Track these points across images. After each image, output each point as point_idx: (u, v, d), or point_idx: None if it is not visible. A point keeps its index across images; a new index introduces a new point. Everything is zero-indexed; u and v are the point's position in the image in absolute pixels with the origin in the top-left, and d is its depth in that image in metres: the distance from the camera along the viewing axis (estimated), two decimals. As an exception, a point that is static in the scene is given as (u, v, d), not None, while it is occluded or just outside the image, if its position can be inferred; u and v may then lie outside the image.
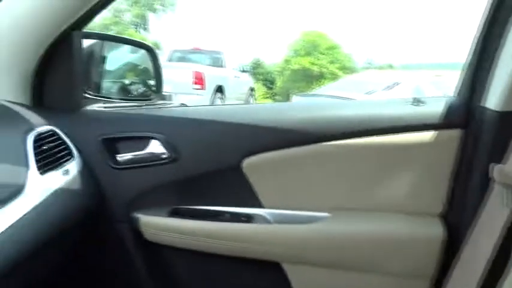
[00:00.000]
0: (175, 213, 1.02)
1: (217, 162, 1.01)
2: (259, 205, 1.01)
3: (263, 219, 1.00)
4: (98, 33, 1.11)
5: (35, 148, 0.82)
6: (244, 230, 0.98)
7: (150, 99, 1.22)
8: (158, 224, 1.02)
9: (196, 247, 1.01)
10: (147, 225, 1.02)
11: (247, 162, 0.98)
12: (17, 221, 0.68)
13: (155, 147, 1.01)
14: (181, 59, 9.86)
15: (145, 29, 18.30)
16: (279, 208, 1.00)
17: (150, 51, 1.18)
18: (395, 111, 1.02)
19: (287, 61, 16.33)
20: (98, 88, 1.16)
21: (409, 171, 0.96)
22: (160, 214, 1.02)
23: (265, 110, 1.10)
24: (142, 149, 1.02)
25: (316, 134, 0.97)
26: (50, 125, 0.93)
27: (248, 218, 1.00)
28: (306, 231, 0.96)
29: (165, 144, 1.00)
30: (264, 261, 0.99)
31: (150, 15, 18.53)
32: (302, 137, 0.97)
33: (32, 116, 0.93)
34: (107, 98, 1.14)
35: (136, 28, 17.85)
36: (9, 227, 0.66)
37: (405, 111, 1.00)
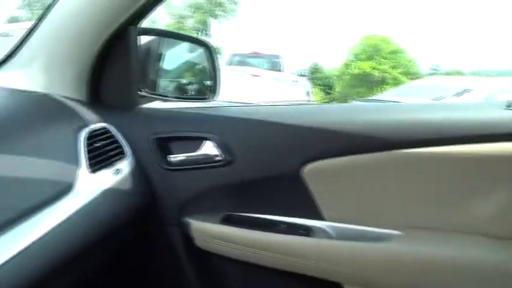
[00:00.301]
0: (228, 221, 0.95)
1: (274, 167, 0.92)
2: (319, 217, 0.91)
3: (323, 233, 0.89)
4: (155, 29, 1.08)
5: (87, 145, 0.80)
6: (303, 244, 0.88)
7: (205, 99, 1.17)
8: (210, 231, 0.95)
9: (249, 258, 0.94)
10: (198, 231, 0.96)
11: (308, 169, 0.89)
12: (66, 220, 0.67)
13: (209, 148, 0.95)
14: (241, 63, 10.00)
15: (206, 34, 18.87)
16: (342, 222, 0.89)
17: (208, 48, 1.12)
18: (484, 116, 0.87)
19: (346, 65, 15.96)
20: (153, 86, 1.12)
21: (498, 188, 0.80)
22: (213, 220, 0.96)
23: (330, 111, 0.99)
24: (195, 150, 0.96)
25: (388, 140, 0.85)
26: (103, 122, 0.91)
27: (307, 231, 0.90)
28: (373, 251, 0.84)
29: (219, 145, 0.94)
30: (323, 281, 0.89)
31: (212, 21, 19.06)
32: (371, 143, 0.86)
33: (86, 113, 0.91)
34: (163, 97, 1.10)
35: (198, 33, 18.44)
36: (58, 225, 0.65)
37: (497, 116, 0.85)
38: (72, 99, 0.94)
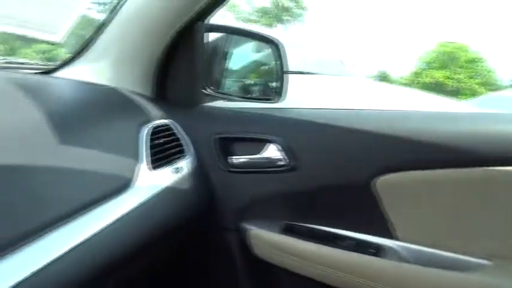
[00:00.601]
0: (289, 230, 0.89)
1: (343, 177, 0.84)
2: (391, 236, 0.81)
3: (396, 255, 0.79)
4: (222, 26, 1.04)
5: (149, 141, 0.78)
6: (372, 264, 0.79)
7: (270, 101, 1.11)
8: (269, 240, 0.89)
9: (310, 274, 0.86)
10: (256, 238, 0.90)
11: (381, 181, 0.79)
12: (124, 216, 0.64)
13: (272, 151, 0.89)
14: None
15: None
16: (418, 243, 0.79)
17: (277, 46, 1.06)
18: None
19: (417, 74, 15.18)
20: (217, 85, 1.09)
21: None
22: (272, 228, 0.90)
23: (410, 117, 0.89)
24: (258, 153, 0.91)
25: (478, 155, 0.73)
26: (167, 118, 0.89)
27: (377, 250, 0.80)
28: (457, 281, 0.72)
29: (284, 149, 0.87)
30: None
31: (278, 27, 19.14)
32: (457, 157, 0.74)
33: (150, 108, 0.90)
34: (227, 95, 1.07)
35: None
36: (116, 220, 0.63)
37: None
38: (138, 94, 0.93)
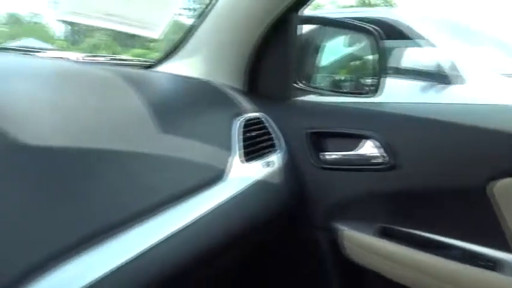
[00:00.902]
0: (386, 234, 0.82)
1: (451, 178, 0.75)
2: (509, 248, 0.70)
3: None
4: (316, 17, 1.01)
5: (241, 134, 0.77)
6: (487, 280, 0.69)
7: (366, 95, 1.04)
8: (362, 242, 0.84)
9: (408, 281, 0.79)
10: (348, 240, 0.85)
11: (500, 186, 0.69)
12: (216, 208, 0.64)
13: (369, 148, 0.83)
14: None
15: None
16: None
17: (374, 37, 0.99)
18: None
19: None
20: (309, 79, 1.06)
21: None
22: (366, 230, 0.84)
23: None
24: (353, 149, 0.85)
25: None
26: (258, 112, 0.88)
27: (493, 264, 0.70)
28: None
29: (383, 146, 0.81)
30: None
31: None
32: None
33: (243, 101, 0.89)
34: (319, 89, 1.03)
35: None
36: (208, 212, 0.62)
37: None
38: (230, 87, 0.93)
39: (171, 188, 0.59)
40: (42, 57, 0.87)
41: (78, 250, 0.43)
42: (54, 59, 0.86)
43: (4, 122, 0.45)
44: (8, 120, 0.45)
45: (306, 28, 1.01)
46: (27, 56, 0.85)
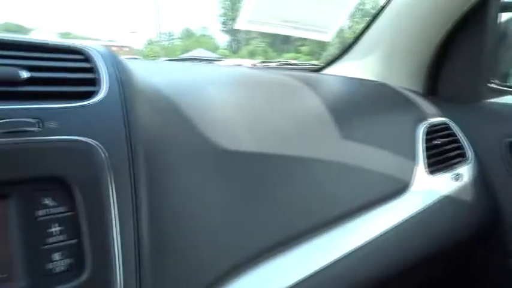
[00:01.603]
0: None
1: None
2: None
3: None
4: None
5: (425, 141, 0.69)
6: None
7: None
8: None
9: None
10: None
11: None
12: (399, 223, 0.58)
13: None
14: None
15: None
16: None
17: None
18: None
19: None
20: (505, 77, 0.89)
21: None
22: None
23: None
24: None
25: None
26: (442, 116, 0.78)
27: None
28: None
29: None
30: None
31: None
32: None
33: (424, 105, 0.80)
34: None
35: None
36: (391, 228, 0.57)
37: None
38: (408, 90, 0.85)
39: (352, 200, 0.55)
40: (223, 66, 0.94)
41: (274, 253, 0.43)
42: (233, 67, 0.92)
43: (207, 126, 0.47)
44: (210, 125, 0.48)
45: (504, 16, 0.85)
46: (209, 64, 0.92)
